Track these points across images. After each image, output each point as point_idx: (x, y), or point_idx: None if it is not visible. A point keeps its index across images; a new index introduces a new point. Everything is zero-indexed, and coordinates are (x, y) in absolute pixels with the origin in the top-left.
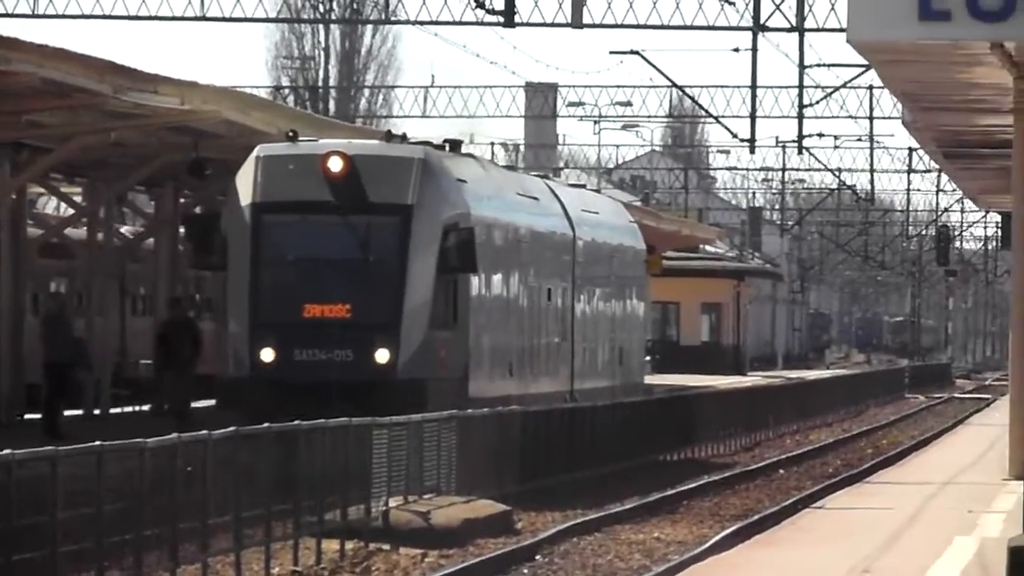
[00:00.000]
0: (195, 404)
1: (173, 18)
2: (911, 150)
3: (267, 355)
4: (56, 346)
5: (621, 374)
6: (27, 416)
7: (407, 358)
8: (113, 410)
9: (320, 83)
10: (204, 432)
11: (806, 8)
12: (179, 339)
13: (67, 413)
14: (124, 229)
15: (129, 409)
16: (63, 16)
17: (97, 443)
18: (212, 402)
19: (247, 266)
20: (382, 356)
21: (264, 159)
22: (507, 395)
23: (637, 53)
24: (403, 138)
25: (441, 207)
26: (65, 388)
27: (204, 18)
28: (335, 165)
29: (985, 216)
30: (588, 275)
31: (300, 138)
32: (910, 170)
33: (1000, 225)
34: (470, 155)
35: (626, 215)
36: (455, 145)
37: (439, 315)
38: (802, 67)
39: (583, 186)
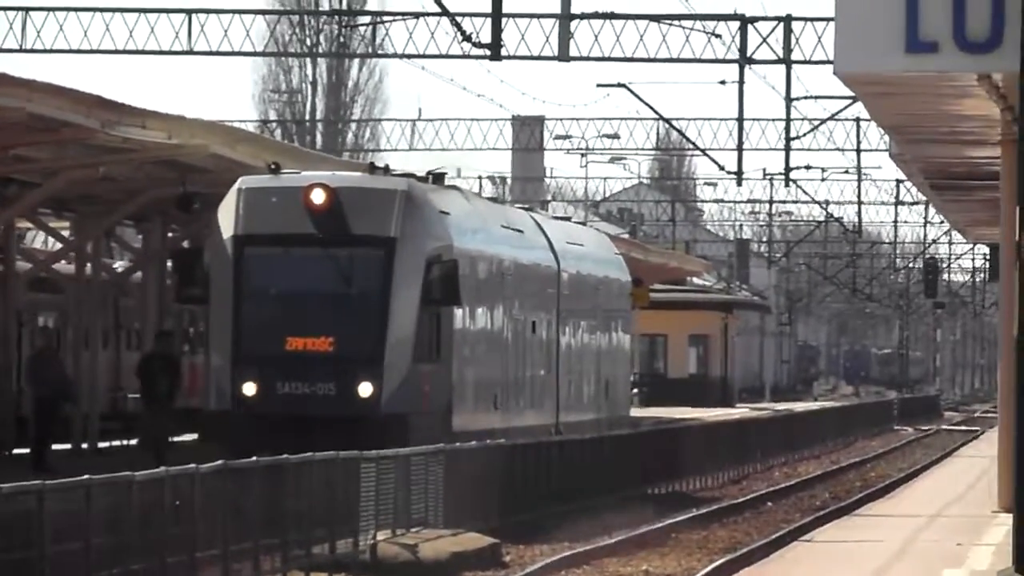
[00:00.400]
0: (177, 438)
1: (160, 52)
2: (899, 182)
3: (249, 388)
4: (45, 381)
5: (607, 407)
6: (16, 451)
7: (390, 392)
8: (102, 444)
9: (307, 116)
10: (192, 466)
11: (793, 40)
12: (158, 373)
13: (56, 447)
14: (114, 264)
15: (118, 443)
16: (51, 51)
17: (85, 477)
18: (195, 436)
19: (229, 299)
20: (365, 390)
21: (246, 191)
22: (492, 428)
23: (624, 86)
24: (386, 170)
25: (424, 239)
26: (53, 423)
27: (191, 52)
28: (318, 197)
29: (973, 248)
30: (573, 307)
31: (283, 170)
32: (898, 202)
33: (988, 257)
34: (454, 187)
35: (611, 247)
36: (438, 177)
37: (422, 348)
38: (789, 99)
39: (568, 218)
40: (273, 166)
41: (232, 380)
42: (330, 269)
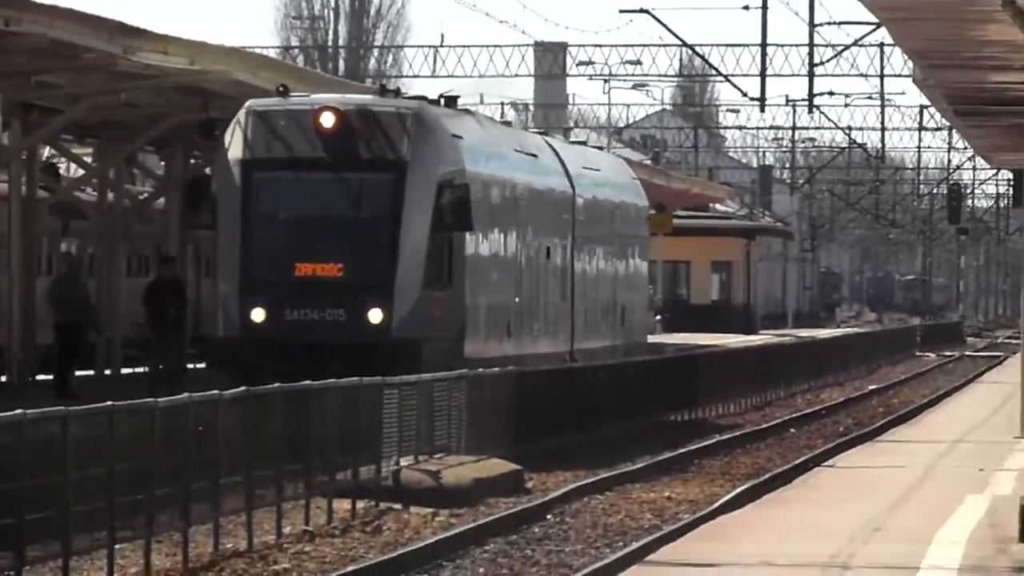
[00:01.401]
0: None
1: None
2: (922, 108)
3: (258, 315)
4: (67, 307)
5: (623, 334)
6: (39, 377)
7: (401, 318)
8: (125, 370)
9: (329, 43)
10: (215, 392)
11: None
12: (165, 298)
13: (78, 374)
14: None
15: (140, 370)
16: None
17: (108, 403)
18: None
19: (237, 224)
20: (375, 316)
21: (254, 114)
22: (504, 355)
23: (647, 12)
24: (397, 93)
25: (436, 163)
26: (76, 349)
27: None
28: (327, 120)
29: (997, 174)
30: (588, 233)
31: (292, 93)
32: (921, 128)
33: (1012, 183)
34: (466, 111)
35: (628, 172)
36: (451, 101)
37: (434, 274)
38: (812, 25)
39: (584, 143)
40: (281, 88)
41: (240, 307)
42: (339, 193)
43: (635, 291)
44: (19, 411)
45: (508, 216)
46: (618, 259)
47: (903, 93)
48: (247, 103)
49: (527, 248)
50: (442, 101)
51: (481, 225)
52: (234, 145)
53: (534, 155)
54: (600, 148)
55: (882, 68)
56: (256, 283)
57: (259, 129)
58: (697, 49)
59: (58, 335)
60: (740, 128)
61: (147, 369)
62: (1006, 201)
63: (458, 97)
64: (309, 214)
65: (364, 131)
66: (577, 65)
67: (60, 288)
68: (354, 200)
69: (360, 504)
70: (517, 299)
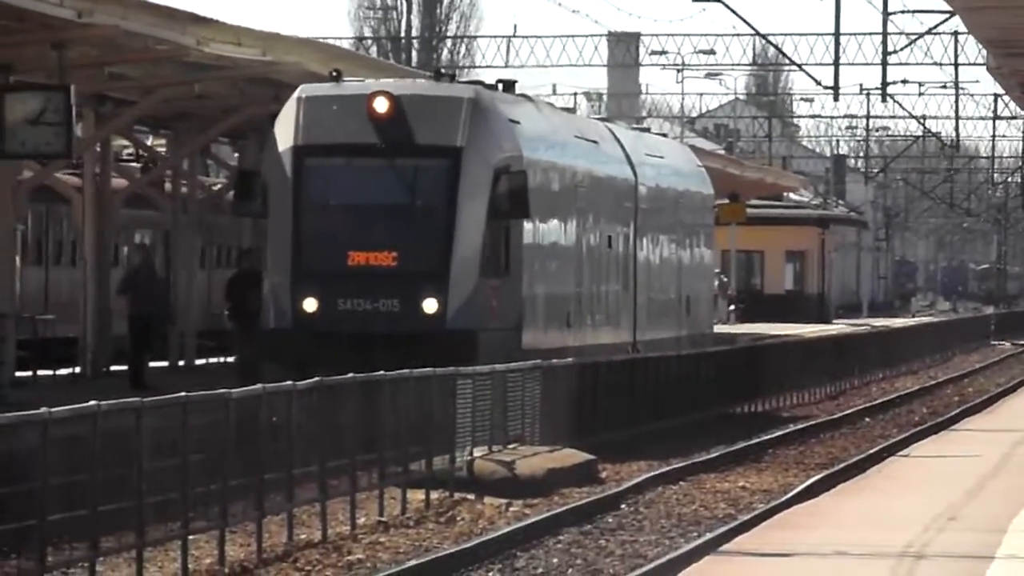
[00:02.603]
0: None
1: None
2: (996, 96)
3: (310, 305)
4: (140, 298)
5: (688, 324)
6: (113, 368)
7: (456, 308)
8: (199, 361)
9: (403, 33)
10: (289, 383)
11: None
12: (246, 290)
13: (153, 365)
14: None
15: (215, 360)
16: None
17: (182, 394)
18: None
19: (288, 212)
20: (430, 306)
21: (306, 100)
22: (564, 346)
23: (720, 1)
24: (452, 78)
25: (492, 149)
26: (149, 340)
27: None
28: (381, 105)
29: None
30: (651, 221)
31: (345, 78)
32: (995, 117)
33: None
34: (524, 95)
35: (693, 159)
36: (509, 86)
37: (490, 263)
38: (886, 13)
39: (647, 129)
40: (334, 73)
41: (292, 297)
42: (393, 180)
43: (700, 280)
44: (93, 402)
45: (567, 203)
46: (682, 248)
47: (977, 81)
48: (299, 88)
49: (587, 236)
50: (499, 86)
51: (539, 212)
52: (285, 131)
53: (595, 141)
54: (664, 135)
55: (956, 56)
56: (308, 273)
57: (311, 115)
58: (771, 38)
59: (131, 326)
60: (814, 117)
61: (234, 360)
62: None
63: (515, 82)
64: (362, 202)
65: (418, 116)
66: (650, 55)
67: (133, 279)
68: (408, 187)
69: (434, 494)
70: (577, 288)
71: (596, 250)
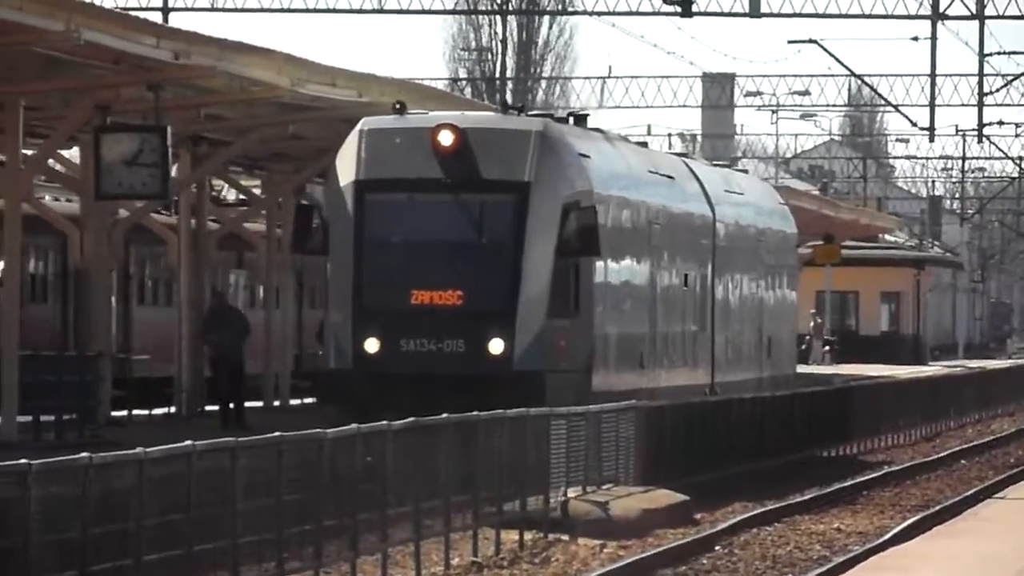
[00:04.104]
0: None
1: (351, 11)
2: None
3: (371, 345)
4: (216, 341)
5: (769, 365)
6: (208, 408)
7: (523, 349)
8: (293, 401)
9: (497, 74)
10: (384, 423)
11: None
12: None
13: (248, 405)
14: None
15: (309, 400)
16: (242, 10)
17: (276, 434)
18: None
19: (349, 249)
20: (496, 346)
21: (368, 133)
22: (637, 388)
23: (815, 42)
24: (521, 110)
25: (561, 184)
26: (237, 381)
27: (382, 11)
28: (445, 139)
29: None
30: (730, 259)
31: (409, 111)
32: None
33: None
34: (597, 129)
35: (775, 196)
36: (580, 119)
37: (559, 302)
38: (982, 55)
39: (728, 165)
40: (398, 106)
41: (353, 337)
42: (458, 216)
43: (782, 321)
44: (188, 442)
45: (641, 240)
46: (763, 287)
47: None
48: (361, 120)
49: (662, 275)
50: (570, 120)
51: (611, 250)
52: (346, 165)
53: (670, 177)
54: (745, 171)
55: None
56: (369, 312)
57: (373, 148)
58: (866, 79)
59: (213, 368)
60: (909, 158)
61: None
62: None
63: (587, 115)
64: (426, 238)
65: (485, 150)
66: (745, 95)
67: (208, 322)
68: (473, 223)
69: (528, 535)
70: (651, 329)
71: (671, 289)
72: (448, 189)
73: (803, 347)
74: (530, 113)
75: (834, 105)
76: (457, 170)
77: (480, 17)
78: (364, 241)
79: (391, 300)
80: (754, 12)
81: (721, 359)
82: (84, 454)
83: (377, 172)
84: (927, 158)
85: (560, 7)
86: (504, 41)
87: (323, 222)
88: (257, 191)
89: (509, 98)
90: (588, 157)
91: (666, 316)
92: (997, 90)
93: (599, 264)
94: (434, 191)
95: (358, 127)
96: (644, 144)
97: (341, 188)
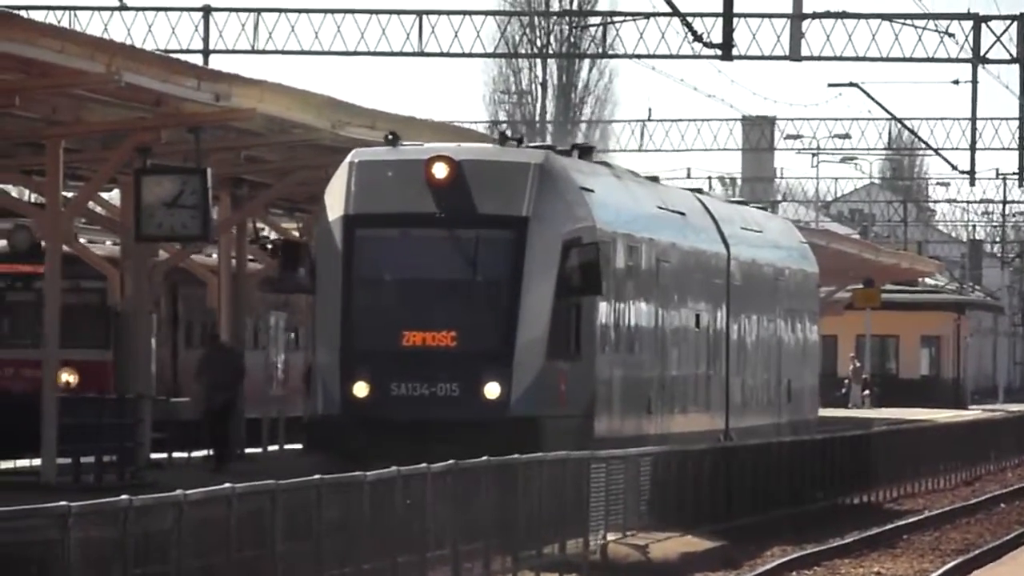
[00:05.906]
0: (286, 447)
1: (391, 53)
2: None
3: (360, 389)
4: (211, 385)
5: (789, 410)
6: (248, 451)
7: (520, 393)
8: None
9: (537, 118)
10: (423, 465)
11: None
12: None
13: (288, 447)
14: None
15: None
16: (282, 52)
17: (316, 477)
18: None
19: (338, 287)
20: (492, 390)
21: (359, 165)
22: (644, 434)
23: (856, 85)
24: (519, 142)
25: (561, 220)
26: (223, 427)
27: (422, 53)
28: (440, 171)
29: None
30: (747, 299)
31: (402, 142)
32: None
33: None
34: (602, 162)
35: (795, 234)
36: (585, 151)
37: (559, 344)
38: (1023, 98)
39: (745, 202)
40: (390, 136)
41: (341, 380)
42: (453, 253)
43: (803, 363)
44: (228, 485)
45: (648, 279)
46: (782, 328)
47: None
48: (351, 152)
49: (672, 315)
50: (574, 152)
51: (615, 289)
52: (335, 199)
53: (681, 213)
54: (764, 207)
55: None
56: (358, 354)
57: (364, 181)
58: (906, 122)
59: (204, 411)
60: (950, 202)
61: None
62: None
63: (593, 148)
64: (418, 276)
65: (481, 184)
66: (785, 138)
67: (201, 365)
68: (468, 261)
69: None
70: (660, 372)
71: (682, 331)
72: (442, 224)
73: (843, 391)
74: (531, 145)
75: (874, 148)
76: (452, 204)
77: (520, 60)
78: (353, 279)
79: (381, 341)
80: (794, 55)
81: (736, 403)
82: (123, 496)
83: (367, 206)
84: (968, 202)
85: (600, 50)
86: (544, 84)
87: (310, 259)
88: (296, 233)
89: (548, 141)
90: (591, 191)
91: (676, 359)
92: None
93: (602, 304)
94: (427, 226)
95: (348, 158)
96: (655, 179)
97: (329, 223)
